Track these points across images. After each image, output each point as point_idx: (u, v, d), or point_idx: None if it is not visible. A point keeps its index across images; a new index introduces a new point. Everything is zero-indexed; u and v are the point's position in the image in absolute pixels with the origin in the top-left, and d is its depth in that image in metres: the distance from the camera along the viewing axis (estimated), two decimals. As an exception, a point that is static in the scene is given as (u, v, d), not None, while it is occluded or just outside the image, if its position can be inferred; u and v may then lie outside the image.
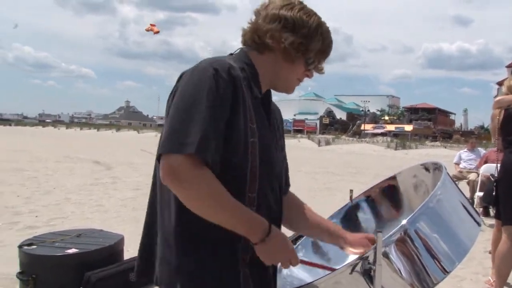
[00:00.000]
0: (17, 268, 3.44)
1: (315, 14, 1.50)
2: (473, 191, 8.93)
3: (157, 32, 17.41)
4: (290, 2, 1.48)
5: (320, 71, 1.56)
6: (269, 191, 1.45)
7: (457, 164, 9.89)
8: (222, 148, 1.29)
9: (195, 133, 1.23)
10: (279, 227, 1.54)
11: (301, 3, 1.51)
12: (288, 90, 1.56)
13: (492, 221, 5.15)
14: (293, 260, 1.40)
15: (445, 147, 38.03)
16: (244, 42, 1.52)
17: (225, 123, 1.30)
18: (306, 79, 1.57)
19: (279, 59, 1.48)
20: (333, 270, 1.47)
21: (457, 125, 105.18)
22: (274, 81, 1.51)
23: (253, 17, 1.51)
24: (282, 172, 1.58)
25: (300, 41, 1.45)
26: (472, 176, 9.03)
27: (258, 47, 1.48)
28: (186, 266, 1.35)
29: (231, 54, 1.51)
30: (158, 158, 1.27)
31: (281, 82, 1.53)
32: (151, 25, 16.99)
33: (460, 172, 9.60)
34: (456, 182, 6.79)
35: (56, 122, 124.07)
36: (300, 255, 1.92)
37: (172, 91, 1.39)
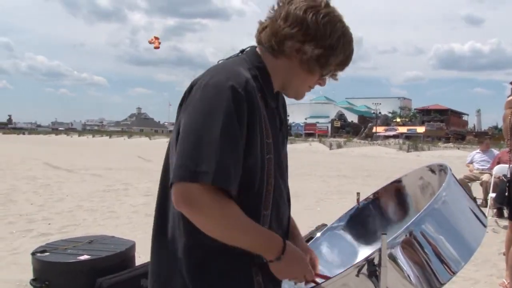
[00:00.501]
0: (31, 275, 3.49)
1: (340, 20, 1.38)
2: (486, 192, 8.84)
3: (157, 48, 17.45)
4: (315, 4, 1.35)
5: (335, 78, 1.48)
6: (281, 203, 1.44)
7: (470, 164, 9.79)
8: (240, 172, 1.24)
9: (211, 160, 1.16)
10: (287, 235, 1.53)
11: (328, 5, 1.37)
12: (298, 97, 1.48)
13: (506, 222, 5.10)
14: (307, 275, 1.40)
15: (458, 148, 37.66)
16: (259, 41, 1.42)
17: (243, 144, 1.24)
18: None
19: (295, 67, 1.39)
20: None
21: (470, 126, 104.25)
22: (285, 86, 1.44)
23: (275, 6, 1.39)
24: (287, 178, 1.54)
25: (321, 53, 1.35)
26: (485, 177, 8.95)
27: (273, 52, 1.38)
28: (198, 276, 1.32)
29: (242, 52, 1.44)
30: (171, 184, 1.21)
31: (292, 89, 1.45)
32: (155, 37, 17.07)
33: (471, 172, 9.49)
34: (469, 183, 6.75)
35: (69, 130, 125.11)
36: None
37: (182, 100, 1.32)
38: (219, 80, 1.24)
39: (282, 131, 1.47)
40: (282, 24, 1.35)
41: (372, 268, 1.35)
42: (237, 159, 1.22)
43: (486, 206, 8.01)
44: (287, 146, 1.56)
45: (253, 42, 1.47)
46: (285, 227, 1.51)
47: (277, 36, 1.35)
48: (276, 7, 1.39)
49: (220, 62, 1.41)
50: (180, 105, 1.33)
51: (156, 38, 17.26)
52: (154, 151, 26.70)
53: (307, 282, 1.42)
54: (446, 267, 1.43)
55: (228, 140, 1.20)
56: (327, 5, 1.37)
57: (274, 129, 1.38)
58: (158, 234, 1.43)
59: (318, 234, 2.05)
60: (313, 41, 1.34)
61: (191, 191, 1.17)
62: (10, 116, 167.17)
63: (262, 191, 1.32)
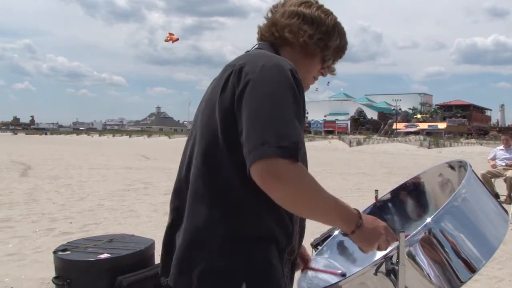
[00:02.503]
0: (53, 273, 3.55)
1: (332, 13, 1.52)
2: (510, 189, 8.69)
3: (177, 40, 17.52)
4: (307, 0, 1.50)
5: (332, 72, 1.58)
6: None
7: (492, 160, 9.58)
8: None
9: (290, 136, 1.18)
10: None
11: (318, 2, 1.53)
12: (304, 88, 1.49)
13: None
14: (389, 237, 1.37)
15: (481, 144, 37.06)
16: (261, 37, 1.52)
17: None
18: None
19: (298, 55, 1.47)
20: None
21: (493, 121, 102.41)
22: None
23: (269, 14, 1.52)
24: None
25: (320, 37, 1.46)
26: (509, 173, 8.79)
27: (276, 41, 1.48)
28: (225, 267, 1.28)
29: (248, 52, 1.48)
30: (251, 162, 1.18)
31: None
32: (169, 34, 17.16)
33: (494, 167, 9.27)
34: (492, 179, 6.63)
35: (90, 129, 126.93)
36: (326, 256, 1.92)
37: (223, 85, 1.31)
38: (278, 62, 1.29)
39: None
40: (279, 18, 1.48)
41: (390, 267, 1.33)
42: (302, 132, 1.27)
43: (510, 203, 7.86)
44: None
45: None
46: None
47: (276, 26, 1.47)
48: (270, 14, 1.52)
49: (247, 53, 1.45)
50: (223, 89, 1.31)
51: (171, 34, 17.33)
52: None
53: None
54: (466, 265, 1.40)
55: (298, 117, 1.23)
56: (318, 2, 1.53)
57: None
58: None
59: (336, 232, 2.02)
60: (311, 26, 1.46)
61: (278, 166, 1.16)
62: (32, 116, 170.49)
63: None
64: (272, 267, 1.30)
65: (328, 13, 1.50)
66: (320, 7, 1.50)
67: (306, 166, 1.46)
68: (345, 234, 1.34)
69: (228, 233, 1.29)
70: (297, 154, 1.18)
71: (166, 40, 16.98)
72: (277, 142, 1.17)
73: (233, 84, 1.29)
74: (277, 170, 1.17)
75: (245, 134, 1.22)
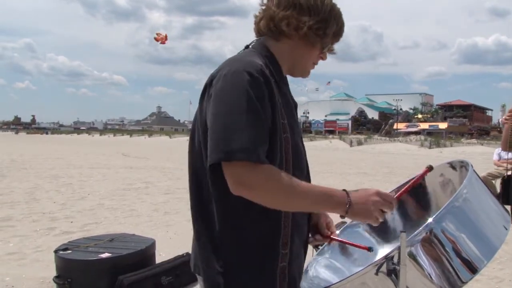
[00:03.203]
0: (54, 272, 3.55)
1: None
2: (510, 189, 8.64)
3: (165, 39, 17.42)
4: None
5: (332, 51, 1.57)
6: (300, 178, 1.44)
7: (498, 161, 9.53)
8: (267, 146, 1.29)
9: (242, 140, 1.23)
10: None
11: None
12: (304, 74, 1.56)
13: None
14: (384, 204, 1.36)
15: (482, 144, 37.04)
16: (259, 31, 1.51)
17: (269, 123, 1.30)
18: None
19: (298, 45, 1.47)
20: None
21: (494, 121, 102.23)
22: (291, 67, 1.51)
23: (264, 1, 1.49)
24: (306, 163, 1.56)
25: (318, 26, 1.44)
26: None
27: (274, 35, 1.47)
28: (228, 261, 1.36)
29: (247, 47, 1.50)
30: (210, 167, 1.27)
31: (299, 68, 1.53)
32: (157, 34, 17.11)
33: (500, 167, 9.23)
34: (493, 181, 6.56)
35: (91, 129, 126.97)
36: (327, 256, 1.92)
37: (203, 92, 1.39)
38: (236, 69, 1.31)
39: (294, 115, 1.54)
40: (276, 9, 1.45)
41: (391, 267, 1.33)
42: (265, 136, 1.28)
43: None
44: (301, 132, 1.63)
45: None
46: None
47: (274, 20, 1.45)
48: (265, 1, 1.49)
49: (233, 56, 1.46)
50: (202, 97, 1.40)
51: (158, 34, 17.34)
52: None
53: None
54: (467, 265, 1.40)
55: (252, 120, 1.25)
56: None
57: (289, 111, 1.43)
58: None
59: (337, 232, 2.02)
60: (308, 15, 1.44)
61: (240, 171, 1.24)
62: (33, 116, 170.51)
63: (281, 167, 1.34)
64: (256, 268, 1.35)
65: None
66: None
67: (302, 166, 1.47)
68: (341, 216, 1.35)
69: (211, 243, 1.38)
70: (253, 155, 1.22)
71: (157, 40, 16.99)
72: (228, 146, 1.23)
73: (207, 96, 1.37)
74: (242, 178, 1.24)
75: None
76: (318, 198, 1.32)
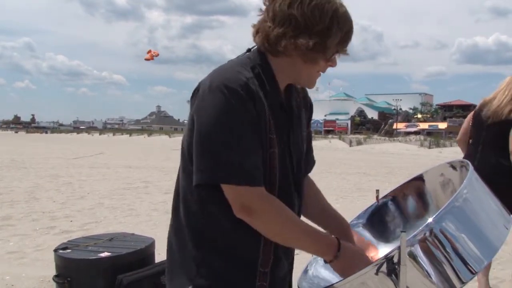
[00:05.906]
0: (54, 271, 3.55)
1: (327, 1, 1.32)
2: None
3: (153, 56, 17.35)
4: None
5: (344, 53, 1.42)
6: (288, 194, 1.43)
7: None
8: (260, 164, 1.29)
9: (228, 162, 1.24)
10: None
11: None
12: (310, 85, 1.48)
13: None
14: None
15: (481, 145, 36.95)
16: (256, 43, 1.41)
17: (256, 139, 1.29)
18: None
19: (297, 62, 1.37)
20: None
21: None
22: (295, 79, 1.43)
23: (262, 8, 1.38)
24: (301, 173, 1.53)
25: (316, 41, 1.31)
26: None
27: (271, 52, 1.37)
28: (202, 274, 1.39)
29: (249, 50, 1.43)
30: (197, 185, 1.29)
31: (302, 80, 1.45)
32: (148, 52, 17.06)
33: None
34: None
35: (90, 128, 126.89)
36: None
37: (192, 97, 1.35)
38: (218, 85, 1.27)
39: (298, 125, 1.49)
40: (271, 25, 1.33)
41: (391, 267, 1.32)
42: (257, 152, 1.28)
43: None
44: (309, 139, 1.62)
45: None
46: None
47: (269, 38, 1.34)
48: (263, 8, 1.38)
49: (228, 61, 1.42)
50: (191, 101, 1.36)
51: (149, 51, 17.37)
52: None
53: None
54: (467, 265, 1.40)
55: (237, 139, 1.24)
56: None
57: (280, 124, 1.38)
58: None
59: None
60: (305, 32, 1.31)
61: (245, 196, 1.26)
62: (33, 115, 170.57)
63: (265, 183, 1.32)
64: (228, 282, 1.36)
65: (322, 4, 1.31)
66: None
67: (289, 181, 1.44)
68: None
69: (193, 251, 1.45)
70: (249, 178, 1.25)
71: (147, 59, 16.98)
72: (215, 170, 1.25)
73: (194, 97, 1.35)
74: (248, 203, 1.26)
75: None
76: (313, 236, 1.36)
